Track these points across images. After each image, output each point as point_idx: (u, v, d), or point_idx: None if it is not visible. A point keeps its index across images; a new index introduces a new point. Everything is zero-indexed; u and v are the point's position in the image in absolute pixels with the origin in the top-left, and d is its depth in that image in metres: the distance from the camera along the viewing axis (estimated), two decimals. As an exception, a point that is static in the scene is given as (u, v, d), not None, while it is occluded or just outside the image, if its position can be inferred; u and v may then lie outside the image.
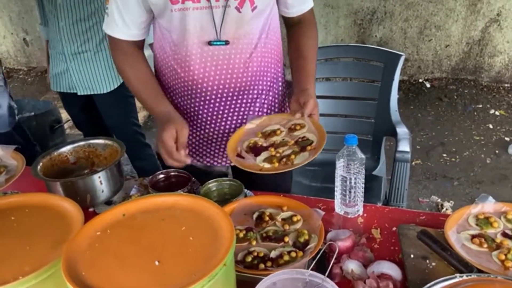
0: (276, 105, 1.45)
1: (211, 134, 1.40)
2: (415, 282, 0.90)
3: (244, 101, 1.35)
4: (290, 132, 1.26)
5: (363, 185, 1.21)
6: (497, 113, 3.90)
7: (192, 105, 1.35)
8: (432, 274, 0.92)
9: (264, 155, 1.19)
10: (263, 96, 1.38)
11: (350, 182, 1.19)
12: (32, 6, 5.16)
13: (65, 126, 3.38)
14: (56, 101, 3.37)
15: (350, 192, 1.20)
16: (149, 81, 1.31)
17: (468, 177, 3.06)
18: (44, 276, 0.73)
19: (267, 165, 1.14)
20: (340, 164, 1.20)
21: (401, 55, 2.00)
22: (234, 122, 1.38)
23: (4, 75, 1.91)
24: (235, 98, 1.33)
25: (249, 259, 0.97)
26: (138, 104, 2.52)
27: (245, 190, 1.27)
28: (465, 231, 1.02)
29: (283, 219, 1.11)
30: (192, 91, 1.32)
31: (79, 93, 2.32)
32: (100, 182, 1.26)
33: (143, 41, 1.35)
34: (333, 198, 1.26)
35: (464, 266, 0.91)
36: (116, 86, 2.32)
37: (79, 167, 1.43)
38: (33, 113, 2.96)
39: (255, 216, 1.13)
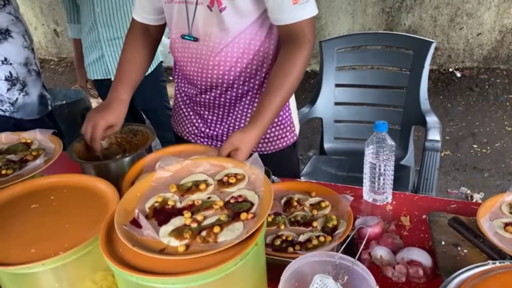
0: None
1: (209, 121, 1.47)
2: (446, 268, 0.89)
3: (218, 97, 1.36)
4: (221, 187, 0.87)
5: (393, 172, 1.20)
6: (530, 103, 3.78)
7: (186, 89, 1.46)
8: (464, 261, 0.91)
9: (173, 223, 0.76)
10: (239, 99, 1.37)
11: (379, 169, 1.18)
12: (62, -3, 5.29)
13: (95, 114, 3.47)
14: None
15: (379, 179, 1.19)
16: (126, 64, 1.40)
17: (499, 168, 2.98)
18: (83, 252, 0.76)
19: (174, 242, 0.72)
20: (369, 151, 1.19)
21: (432, 42, 1.97)
22: (216, 115, 1.43)
23: (38, 65, 1.96)
24: (208, 92, 1.36)
25: (277, 242, 0.98)
26: (170, 91, 2.57)
27: (272, 176, 1.27)
28: (498, 219, 1.00)
29: (311, 205, 1.11)
30: (180, 77, 1.44)
31: (113, 78, 2.37)
32: (132, 166, 1.29)
33: (157, 28, 1.43)
34: (361, 187, 1.26)
35: (497, 254, 0.89)
36: (150, 71, 2.36)
37: (111, 153, 1.46)
38: (64, 102, 3.05)
39: (283, 201, 1.14)
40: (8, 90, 1.77)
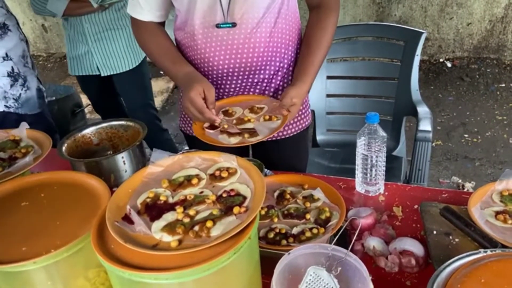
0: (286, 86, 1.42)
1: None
2: (438, 257, 0.90)
3: (250, 80, 1.34)
4: (213, 181, 0.87)
5: (384, 163, 1.20)
6: (520, 92, 3.81)
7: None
8: (456, 250, 0.92)
9: (166, 218, 0.76)
10: (271, 76, 1.36)
11: (371, 161, 1.18)
12: (49, -8, 5.20)
13: (85, 110, 3.42)
14: (76, 86, 3.41)
15: (371, 170, 1.19)
16: (170, 49, 1.32)
17: (490, 157, 3.01)
18: (75, 249, 0.75)
19: (167, 237, 0.71)
20: (361, 143, 1.19)
21: (422, 33, 1.97)
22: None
23: (32, 59, 1.94)
24: (240, 76, 1.33)
25: (271, 235, 0.98)
26: (154, 89, 2.54)
27: (265, 169, 1.27)
28: (489, 208, 1.01)
29: (304, 197, 1.11)
30: (201, 70, 1.34)
31: (102, 74, 2.33)
32: (124, 162, 1.28)
33: (162, 25, 1.38)
34: (353, 178, 1.26)
35: (488, 242, 0.90)
36: (137, 63, 2.33)
37: (102, 149, 1.45)
38: (54, 98, 3.00)
39: (276, 194, 1.14)
40: (11, 86, 1.76)
